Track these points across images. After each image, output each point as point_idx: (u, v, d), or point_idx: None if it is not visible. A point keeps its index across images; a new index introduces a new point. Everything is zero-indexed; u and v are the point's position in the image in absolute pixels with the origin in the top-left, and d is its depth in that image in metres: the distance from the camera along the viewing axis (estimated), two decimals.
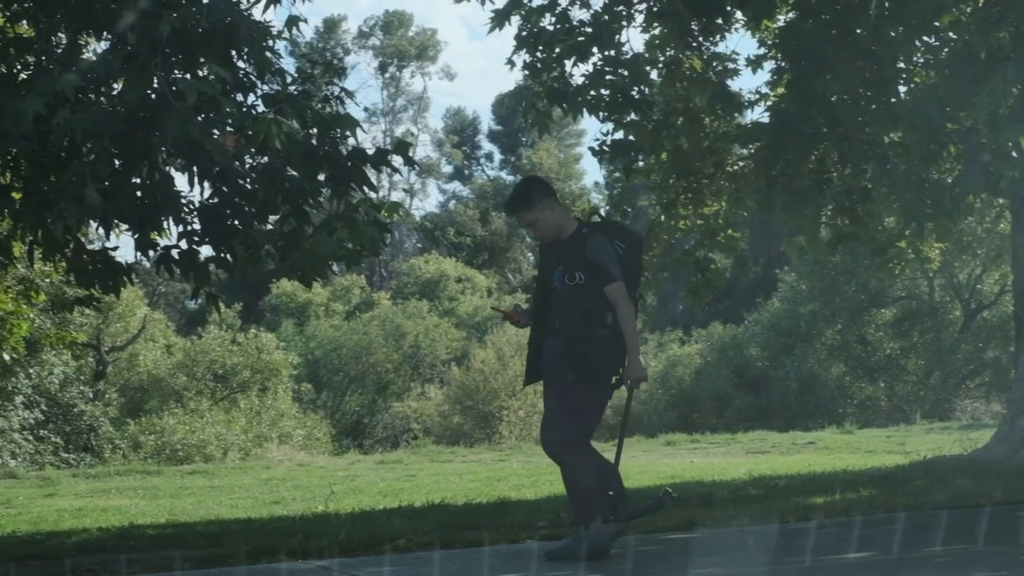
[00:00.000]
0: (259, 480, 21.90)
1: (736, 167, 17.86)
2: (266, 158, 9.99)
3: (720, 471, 18.50)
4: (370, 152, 10.19)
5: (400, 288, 59.84)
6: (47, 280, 19.84)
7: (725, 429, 35.09)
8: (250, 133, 9.37)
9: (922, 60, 16.77)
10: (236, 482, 21.61)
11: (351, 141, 10.28)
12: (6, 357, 21.89)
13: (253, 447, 33.94)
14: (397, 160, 10.41)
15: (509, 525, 10.84)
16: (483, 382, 43.53)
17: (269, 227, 10.66)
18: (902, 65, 16.55)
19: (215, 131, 9.44)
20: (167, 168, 10.18)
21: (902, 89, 16.54)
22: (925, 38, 15.99)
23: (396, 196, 70.40)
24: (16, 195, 10.28)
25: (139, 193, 9.80)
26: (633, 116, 16.48)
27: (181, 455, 31.61)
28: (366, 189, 10.13)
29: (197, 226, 10.44)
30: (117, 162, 9.76)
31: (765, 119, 17.33)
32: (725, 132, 17.58)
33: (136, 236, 10.33)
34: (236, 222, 10.34)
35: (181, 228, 10.39)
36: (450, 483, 18.18)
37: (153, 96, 9.15)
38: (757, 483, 15.02)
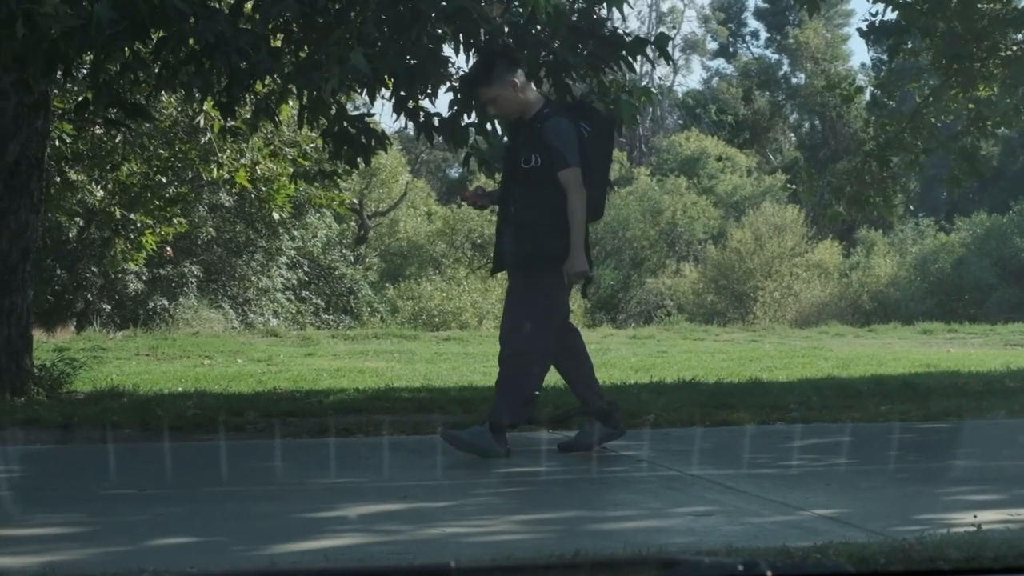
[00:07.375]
0: None
1: (1010, 52, 17.35)
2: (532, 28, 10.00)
3: (976, 362, 18.15)
4: (629, 39, 10.17)
5: (659, 164, 59.58)
6: (311, 146, 20.17)
7: (984, 320, 34.35)
8: (517, 3, 9.37)
9: None
10: (490, 350, 21.79)
11: (616, 18, 10.26)
12: (275, 215, 22.42)
13: None
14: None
15: (760, 406, 10.82)
16: (739, 262, 43.36)
17: None
18: None
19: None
20: (435, 35, 10.24)
21: None
22: None
23: (659, 73, 69.77)
24: (286, 58, 10.46)
25: (405, 58, 9.88)
26: None
27: (437, 321, 32.14)
28: (624, 69, 10.11)
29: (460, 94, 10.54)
30: (385, 28, 9.85)
31: None
32: (1000, 15, 17.06)
33: (399, 102, 10.47)
34: None
35: (448, 95, 10.49)
36: (702, 361, 18.13)
37: None
38: (1015, 376, 14.73)
